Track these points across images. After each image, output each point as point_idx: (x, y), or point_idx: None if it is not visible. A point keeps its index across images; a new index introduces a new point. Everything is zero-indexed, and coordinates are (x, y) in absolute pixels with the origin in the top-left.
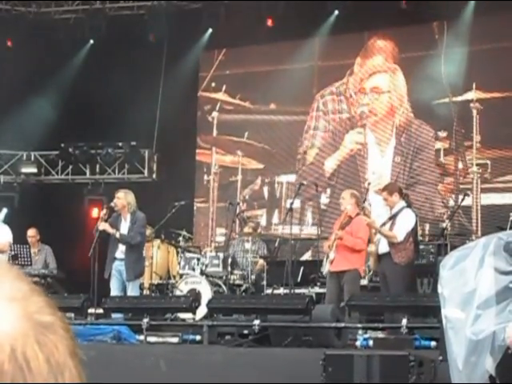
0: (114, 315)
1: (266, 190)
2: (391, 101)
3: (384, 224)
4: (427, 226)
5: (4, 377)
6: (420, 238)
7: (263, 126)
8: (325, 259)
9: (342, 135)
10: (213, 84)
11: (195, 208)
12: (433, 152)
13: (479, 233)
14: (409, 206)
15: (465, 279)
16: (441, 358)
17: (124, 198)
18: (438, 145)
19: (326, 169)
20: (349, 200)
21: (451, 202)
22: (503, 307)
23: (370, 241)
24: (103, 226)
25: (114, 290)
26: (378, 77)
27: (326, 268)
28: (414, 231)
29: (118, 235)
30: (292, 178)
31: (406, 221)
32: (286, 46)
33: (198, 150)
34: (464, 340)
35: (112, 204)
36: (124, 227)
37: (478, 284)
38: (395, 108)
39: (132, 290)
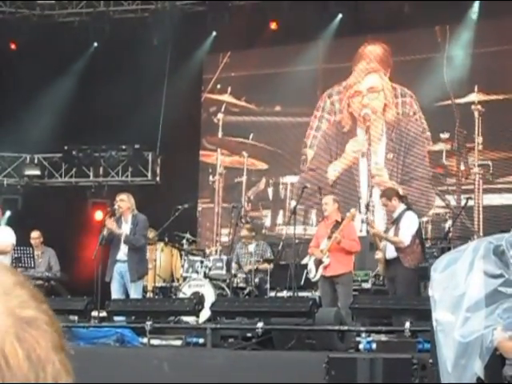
0: (115, 318)
1: (270, 190)
2: (386, 98)
3: (388, 229)
4: (430, 227)
5: None
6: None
7: (268, 128)
8: (312, 265)
9: (335, 142)
10: (218, 86)
11: (200, 209)
12: (423, 147)
13: (481, 233)
14: (409, 208)
15: (455, 282)
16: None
17: (128, 201)
18: (441, 146)
19: (330, 177)
20: (332, 205)
21: (453, 203)
22: (492, 310)
23: (376, 248)
24: (111, 224)
25: (115, 292)
26: (371, 77)
27: (318, 274)
28: (418, 233)
29: (124, 235)
30: (297, 179)
31: (410, 224)
32: (290, 48)
33: (203, 152)
34: (453, 343)
35: (115, 206)
36: (125, 229)
37: (467, 287)
38: (387, 106)
39: (135, 292)
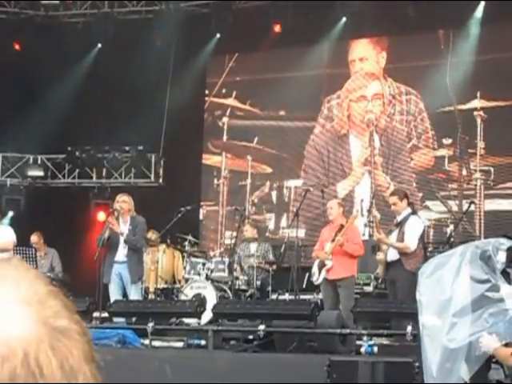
0: (115, 319)
1: (274, 194)
2: (384, 105)
3: (391, 231)
4: (431, 232)
5: (16, 382)
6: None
7: (272, 132)
8: (316, 268)
9: (325, 144)
10: (223, 90)
11: (205, 212)
12: (407, 152)
13: (482, 238)
14: (414, 212)
15: (442, 287)
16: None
17: (129, 203)
18: (443, 152)
19: (340, 195)
20: (337, 209)
21: (454, 208)
22: (478, 315)
23: (379, 249)
24: (113, 222)
25: (113, 294)
26: (375, 84)
27: (321, 277)
28: (422, 238)
29: (125, 235)
30: (300, 182)
31: (415, 228)
32: (294, 51)
33: (208, 155)
34: (439, 347)
35: (118, 207)
36: (123, 230)
37: (454, 292)
38: (383, 113)
39: (135, 293)
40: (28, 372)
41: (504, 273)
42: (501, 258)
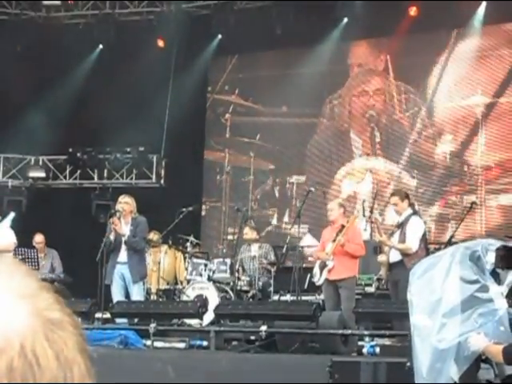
0: (117, 320)
1: (277, 190)
2: (385, 101)
3: (393, 232)
4: (433, 227)
5: (14, 373)
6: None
7: (275, 128)
8: (317, 269)
9: (327, 144)
10: (226, 87)
11: (207, 208)
12: (408, 148)
13: (483, 232)
14: (415, 213)
15: (432, 287)
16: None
17: (131, 204)
18: (444, 148)
19: (344, 193)
20: (337, 211)
21: (456, 203)
22: (468, 316)
23: (380, 251)
24: (117, 223)
25: (115, 295)
26: (376, 79)
27: (322, 277)
28: (424, 237)
29: (126, 237)
30: (302, 178)
31: (417, 229)
32: (297, 51)
33: (210, 152)
34: (429, 347)
35: (120, 208)
36: (125, 231)
37: (444, 293)
38: (385, 109)
39: (137, 293)
40: (25, 363)
41: (493, 273)
42: (490, 258)
